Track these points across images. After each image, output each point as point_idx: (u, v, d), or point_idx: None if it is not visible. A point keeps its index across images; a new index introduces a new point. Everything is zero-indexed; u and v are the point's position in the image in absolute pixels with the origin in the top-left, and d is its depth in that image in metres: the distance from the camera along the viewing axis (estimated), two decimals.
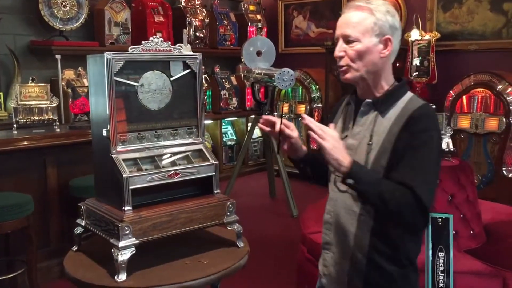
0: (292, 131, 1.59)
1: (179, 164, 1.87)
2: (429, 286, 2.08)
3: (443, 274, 2.03)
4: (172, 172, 1.82)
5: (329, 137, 1.43)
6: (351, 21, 1.50)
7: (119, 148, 1.78)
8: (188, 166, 1.87)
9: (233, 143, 6.40)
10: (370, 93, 1.56)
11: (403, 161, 1.44)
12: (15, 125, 3.41)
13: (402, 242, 1.55)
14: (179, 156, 1.90)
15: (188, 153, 1.92)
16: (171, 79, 1.88)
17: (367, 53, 1.50)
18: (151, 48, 1.82)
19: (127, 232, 1.68)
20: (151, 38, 1.83)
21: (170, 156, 1.88)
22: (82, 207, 1.94)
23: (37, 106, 3.50)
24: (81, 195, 3.10)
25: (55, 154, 3.37)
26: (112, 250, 1.68)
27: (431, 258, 2.06)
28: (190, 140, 1.95)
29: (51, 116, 3.55)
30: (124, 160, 1.77)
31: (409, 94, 1.55)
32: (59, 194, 3.40)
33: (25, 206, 2.87)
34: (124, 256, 1.66)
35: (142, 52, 1.81)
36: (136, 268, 1.72)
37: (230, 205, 1.92)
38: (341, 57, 1.53)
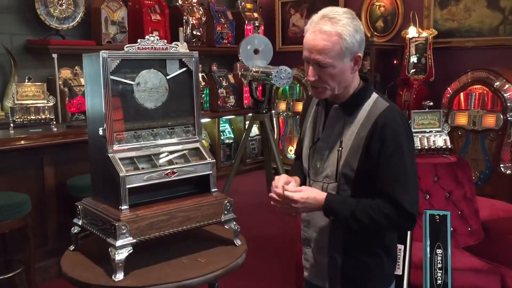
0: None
1: (176, 163, 1.86)
2: (427, 283, 2.07)
3: (441, 271, 2.03)
4: (169, 171, 1.81)
5: (298, 202, 1.53)
6: (320, 48, 1.49)
7: (116, 147, 1.77)
8: (185, 164, 1.87)
9: (231, 141, 6.39)
10: (338, 98, 1.60)
11: (381, 171, 1.50)
12: (11, 125, 3.40)
13: (376, 235, 1.61)
14: (176, 154, 1.89)
15: (185, 151, 1.91)
16: (168, 77, 1.87)
17: (340, 74, 1.53)
18: (147, 46, 1.81)
19: (124, 231, 1.67)
20: (147, 37, 1.82)
21: (167, 155, 1.87)
22: (79, 207, 1.94)
23: (33, 105, 3.49)
24: (79, 194, 3.10)
25: (52, 153, 3.36)
26: (109, 249, 1.68)
27: (428, 255, 2.05)
28: (186, 139, 1.94)
29: (48, 116, 3.54)
30: (120, 159, 1.76)
31: (373, 96, 1.60)
32: (57, 193, 3.40)
33: (22, 205, 2.87)
34: (121, 255, 1.66)
35: (138, 50, 1.80)
36: (134, 267, 1.72)
37: (228, 204, 1.91)
38: (315, 81, 1.54)
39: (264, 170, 5.36)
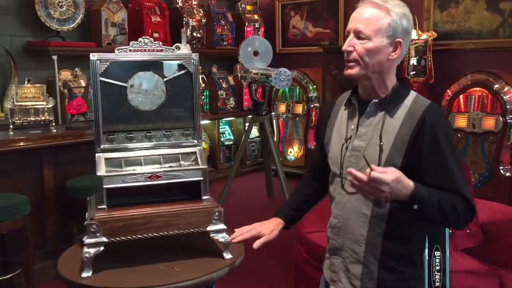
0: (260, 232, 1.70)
1: (164, 167, 1.82)
2: (425, 285, 2.07)
3: (439, 274, 2.03)
4: (153, 174, 1.78)
5: (388, 184, 1.34)
6: (365, 17, 1.47)
7: (106, 147, 1.80)
8: (171, 169, 1.82)
9: (231, 143, 6.40)
10: (374, 94, 1.54)
11: (438, 167, 1.45)
12: (11, 126, 3.41)
13: (415, 241, 1.55)
14: (168, 158, 1.84)
15: (179, 155, 1.86)
16: (165, 79, 1.84)
17: (376, 52, 1.47)
18: (139, 48, 1.80)
19: (95, 230, 1.69)
20: (139, 39, 1.81)
21: (158, 158, 1.84)
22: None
23: (33, 107, 3.50)
24: (78, 195, 3.11)
25: (51, 154, 3.36)
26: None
27: (427, 258, 2.05)
28: (185, 143, 1.89)
29: (48, 117, 3.55)
30: (108, 159, 1.78)
31: (413, 93, 1.56)
32: (56, 194, 3.40)
33: (21, 207, 2.87)
34: (89, 253, 1.68)
35: (130, 53, 1.79)
36: (108, 267, 1.73)
37: (217, 213, 1.80)
38: (350, 52, 1.50)
39: (264, 172, 5.37)
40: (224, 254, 1.81)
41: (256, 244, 1.67)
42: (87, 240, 1.69)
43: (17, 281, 3.12)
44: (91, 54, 1.74)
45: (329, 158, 1.66)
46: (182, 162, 1.85)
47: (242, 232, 1.70)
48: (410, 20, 1.51)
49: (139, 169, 1.79)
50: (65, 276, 1.71)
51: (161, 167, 1.81)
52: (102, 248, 1.70)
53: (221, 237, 1.81)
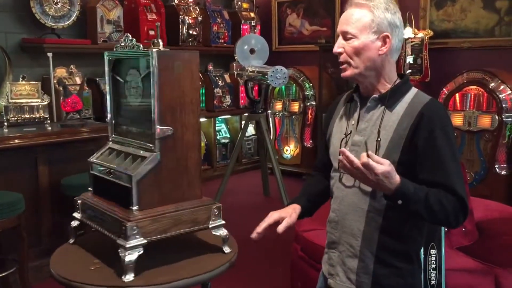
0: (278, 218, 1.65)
1: (122, 166, 1.80)
2: (421, 283, 2.07)
3: (435, 272, 2.03)
4: (109, 170, 1.83)
5: (377, 175, 1.36)
6: (350, 18, 1.52)
7: (114, 138, 1.94)
8: (116, 169, 1.79)
9: (227, 141, 6.39)
10: (375, 91, 1.56)
11: (432, 162, 1.45)
12: (5, 124, 3.39)
13: (411, 237, 1.55)
14: (133, 157, 1.81)
15: (139, 157, 1.77)
16: (140, 77, 1.82)
17: (364, 49, 1.50)
18: (123, 45, 1.85)
19: (77, 206, 1.94)
20: (124, 36, 1.86)
21: (127, 157, 1.83)
22: None
23: (28, 104, 3.48)
24: (73, 193, 3.08)
25: (46, 152, 3.35)
26: None
27: (422, 256, 2.05)
28: (146, 145, 1.78)
29: (42, 114, 3.53)
30: (110, 148, 1.92)
31: (413, 90, 1.57)
32: (51, 192, 3.38)
33: (16, 204, 2.86)
34: (73, 222, 1.95)
35: (118, 50, 1.89)
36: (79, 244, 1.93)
37: (124, 228, 1.63)
38: (340, 53, 1.54)
39: (260, 170, 5.37)
40: (126, 276, 1.63)
41: (280, 228, 1.62)
42: (74, 214, 1.95)
43: (12, 279, 3.11)
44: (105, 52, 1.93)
45: (330, 153, 1.68)
46: (132, 164, 1.77)
47: (263, 223, 1.66)
48: (396, 13, 1.52)
49: (110, 163, 1.87)
50: (57, 274, 1.74)
51: (113, 165, 1.84)
52: (77, 223, 1.93)
53: (126, 255, 1.63)
